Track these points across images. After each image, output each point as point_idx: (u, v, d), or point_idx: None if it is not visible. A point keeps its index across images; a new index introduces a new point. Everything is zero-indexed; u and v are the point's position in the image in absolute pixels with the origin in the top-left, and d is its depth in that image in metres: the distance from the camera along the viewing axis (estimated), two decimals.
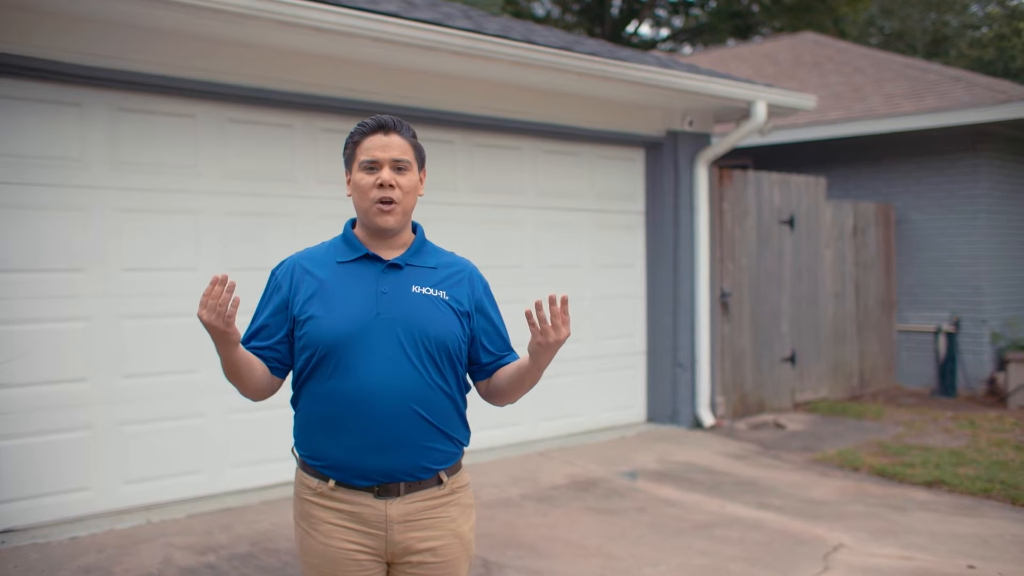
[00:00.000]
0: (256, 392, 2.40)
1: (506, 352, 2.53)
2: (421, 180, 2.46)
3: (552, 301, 2.22)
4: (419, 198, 2.46)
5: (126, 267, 5.23)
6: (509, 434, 7.07)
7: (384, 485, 2.32)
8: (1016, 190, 10.46)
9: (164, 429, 5.39)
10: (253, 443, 5.64)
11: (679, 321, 7.98)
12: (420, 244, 2.47)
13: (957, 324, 9.94)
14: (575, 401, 7.56)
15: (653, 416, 8.09)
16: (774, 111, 8.01)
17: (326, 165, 5.97)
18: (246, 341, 2.40)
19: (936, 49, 22.62)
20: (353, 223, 2.48)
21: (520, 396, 2.51)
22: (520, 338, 7.33)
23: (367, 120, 2.40)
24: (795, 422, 8.35)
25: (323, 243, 2.49)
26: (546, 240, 7.34)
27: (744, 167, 10.81)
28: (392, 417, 2.28)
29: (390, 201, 2.34)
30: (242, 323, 2.55)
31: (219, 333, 2.18)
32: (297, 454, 2.43)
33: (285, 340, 2.39)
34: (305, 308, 2.34)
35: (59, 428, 5.02)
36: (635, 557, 4.72)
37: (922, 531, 5.19)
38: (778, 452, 7.16)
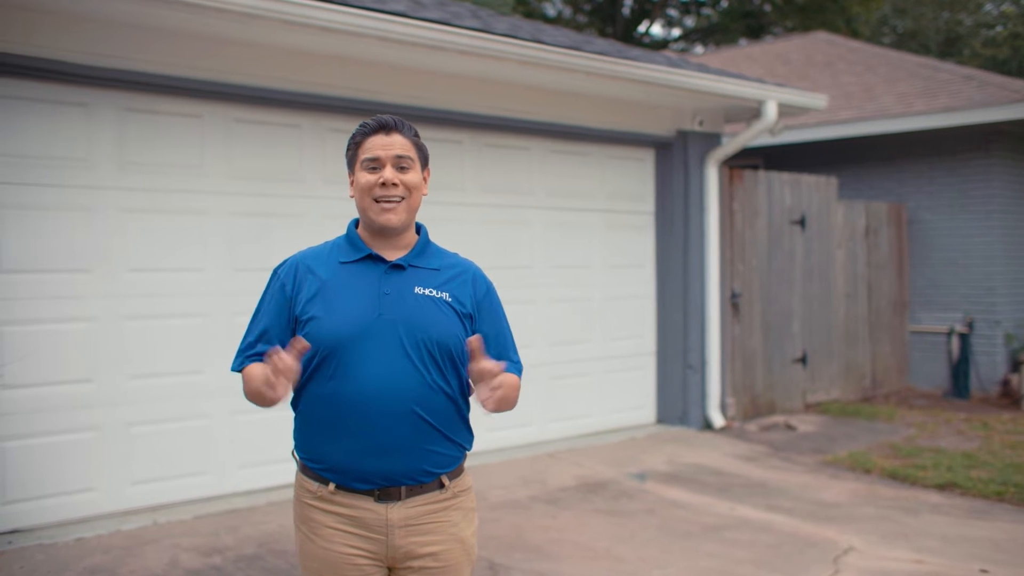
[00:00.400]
0: (275, 402, 2.35)
1: (499, 357, 2.42)
2: (425, 179, 2.43)
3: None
4: (424, 198, 2.43)
5: (131, 267, 5.22)
6: (518, 435, 7.04)
7: (385, 489, 2.29)
8: None
9: (170, 430, 5.38)
10: (260, 444, 5.62)
11: (689, 322, 7.94)
12: (424, 245, 2.44)
13: (970, 325, 9.86)
14: (585, 402, 7.52)
15: (663, 417, 8.05)
16: (785, 111, 7.96)
17: (334, 165, 5.95)
18: (251, 346, 2.36)
19: (950, 48, 22.48)
20: (356, 223, 2.45)
21: (502, 409, 2.37)
22: (528, 338, 7.31)
23: (368, 120, 2.37)
24: (806, 423, 8.29)
25: (325, 243, 2.46)
26: (555, 240, 7.31)
27: (755, 167, 10.76)
28: (393, 420, 2.25)
29: (393, 199, 2.31)
30: (242, 324, 2.53)
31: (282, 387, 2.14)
32: (297, 457, 2.41)
33: (288, 340, 2.35)
34: (307, 308, 2.31)
35: (64, 429, 5.01)
36: (643, 559, 4.68)
37: (934, 534, 5.14)
38: (789, 454, 7.11)
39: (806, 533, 5.13)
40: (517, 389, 2.42)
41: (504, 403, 2.34)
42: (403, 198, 2.33)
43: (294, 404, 2.39)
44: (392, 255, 2.37)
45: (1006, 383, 9.77)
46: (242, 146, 5.64)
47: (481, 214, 6.82)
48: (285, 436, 5.46)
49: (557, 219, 7.32)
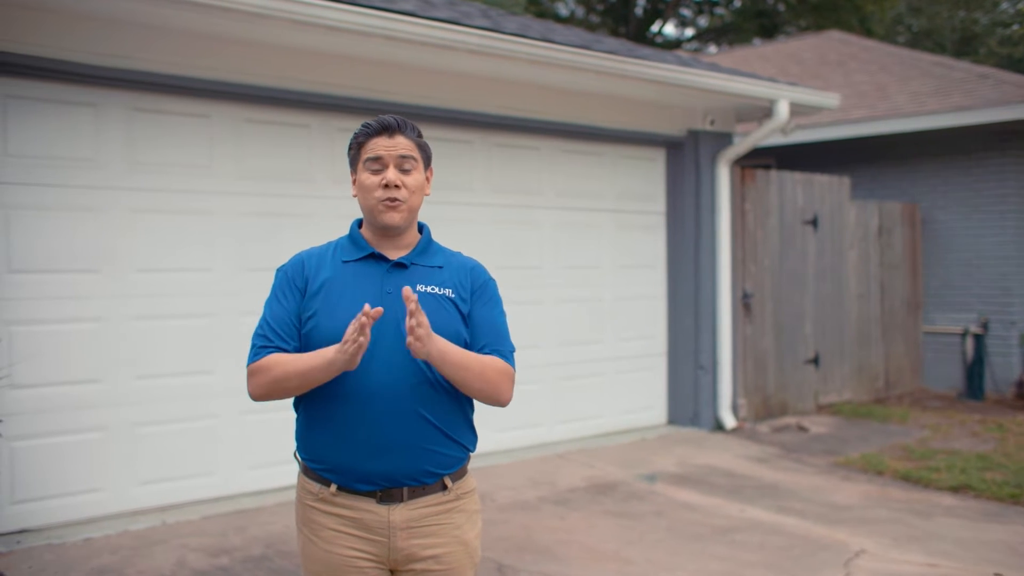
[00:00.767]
0: (304, 388, 2.29)
1: (487, 346, 2.35)
2: (428, 179, 2.41)
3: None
4: (428, 197, 2.41)
5: (139, 268, 5.22)
6: (528, 436, 7.01)
7: (387, 490, 2.27)
8: None
9: (178, 430, 5.38)
10: (268, 444, 5.62)
11: (700, 322, 7.89)
12: (426, 244, 2.42)
13: (985, 326, 9.78)
14: (595, 403, 7.49)
15: (674, 418, 8.01)
16: (796, 110, 7.91)
17: (343, 165, 5.94)
18: (267, 338, 2.30)
19: (965, 47, 22.34)
20: (360, 223, 2.44)
21: (480, 396, 2.31)
22: (537, 339, 7.29)
23: (371, 121, 2.36)
24: (818, 425, 8.24)
25: (328, 243, 2.45)
26: (565, 241, 7.28)
27: (767, 167, 10.71)
28: (395, 419, 2.23)
29: (396, 200, 2.30)
30: (251, 324, 2.51)
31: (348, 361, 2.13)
32: (299, 458, 2.39)
33: (300, 336, 2.33)
34: (310, 306, 2.30)
35: (72, 429, 5.02)
36: (652, 562, 4.65)
37: (947, 537, 5.08)
38: (800, 455, 7.06)
39: (817, 536, 5.09)
40: (502, 373, 2.31)
41: (484, 382, 2.27)
42: (405, 199, 2.31)
43: (296, 404, 2.37)
44: (394, 254, 2.36)
45: (1021, 384, 9.68)
46: (251, 146, 5.63)
47: (491, 214, 6.79)
48: (292, 437, 5.46)
49: (567, 219, 7.30)
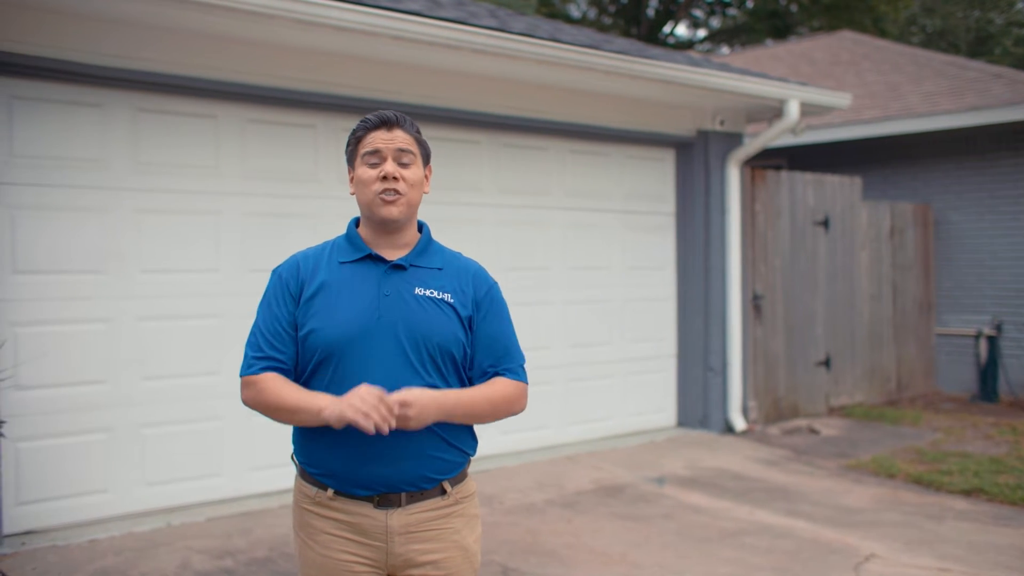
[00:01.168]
0: (301, 425, 2.31)
1: (495, 366, 2.34)
2: (427, 177, 2.38)
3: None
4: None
5: (145, 268, 5.21)
6: (537, 438, 6.97)
7: (385, 495, 2.23)
8: None
9: (184, 432, 5.36)
10: (274, 446, 5.59)
11: (710, 324, 7.84)
12: (425, 244, 2.37)
13: (999, 328, 9.68)
14: (604, 405, 7.45)
15: (683, 421, 7.95)
16: (807, 110, 7.85)
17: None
18: (262, 350, 2.26)
19: (980, 47, 22.18)
20: (357, 222, 2.39)
21: (487, 423, 2.34)
22: (546, 340, 7.24)
23: (369, 116, 2.31)
24: (829, 427, 8.17)
25: (325, 243, 2.40)
26: (574, 242, 7.24)
27: (778, 167, 10.65)
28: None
29: (394, 192, 2.25)
30: (246, 326, 2.47)
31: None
32: (296, 461, 2.35)
33: (295, 344, 2.28)
34: (306, 309, 2.26)
35: (78, 430, 5.01)
36: (660, 565, 4.60)
37: (959, 541, 5.02)
38: (811, 458, 7.00)
39: (827, 539, 5.03)
40: (512, 398, 2.32)
41: (496, 413, 2.31)
42: (404, 192, 2.27)
43: None
44: (393, 254, 2.31)
45: None
46: (257, 146, 5.61)
47: (499, 215, 6.76)
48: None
49: (576, 220, 7.26)
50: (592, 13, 26.36)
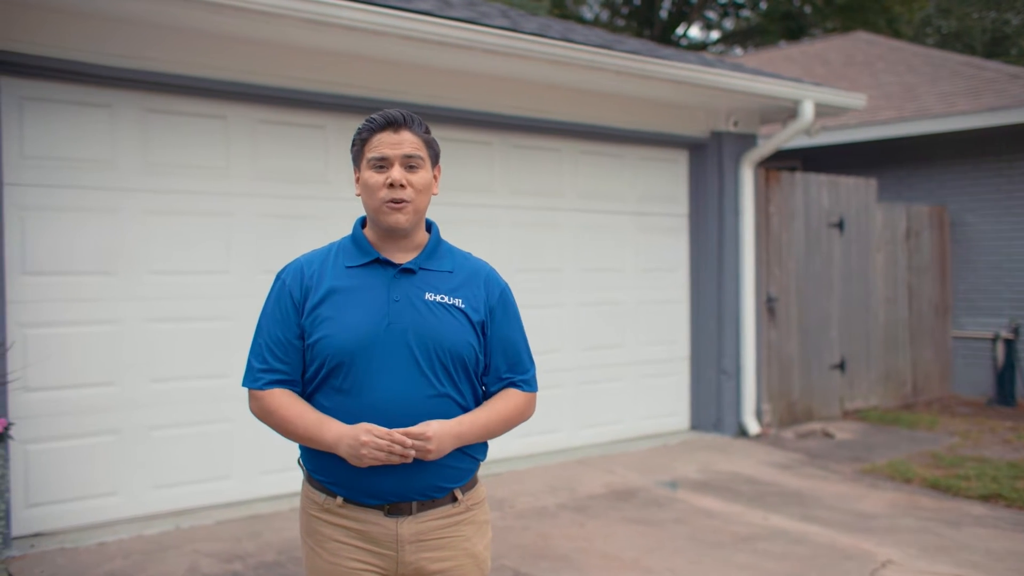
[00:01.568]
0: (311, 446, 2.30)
1: (510, 375, 2.32)
2: (435, 177, 2.29)
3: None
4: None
5: (155, 270, 5.18)
6: (548, 441, 6.92)
7: (395, 503, 2.18)
8: None
9: (193, 434, 5.33)
10: (283, 449, 5.52)
11: (724, 326, 7.77)
12: (435, 245, 2.30)
13: (1016, 331, 9.57)
14: (616, 408, 7.39)
15: (696, 424, 7.89)
16: (822, 111, 7.77)
17: None
18: (266, 362, 2.21)
19: (996, 48, 22.01)
20: (363, 222, 2.33)
21: (492, 436, 2.33)
22: (557, 343, 7.19)
23: (375, 116, 2.23)
24: (844, 431, 8.09)
25: (331, 244, 2.33)
26: (586, 243, 7.18)
27: (792, 169, 10.57)
28: None
29: (401, 201, 2.18)
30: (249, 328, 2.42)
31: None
32: (303, 466, 2.30)
33: (300, 354, 2.23)
34: (313, 317, 2.19)
35: (87, 432, 4.98)
36: (672, 571, 4.55)
37: (977, 548, 4.94)
38: (826, 462, 6.92)
39: (842, 545, 4.96)
40: (522, 411, 2.32)
41: (509, 427, 2.31)
42: (411, 199, 2.19)
43: None
44: (401, 257, 2.25)
45: None
46: (267, 147, 5.59)
47: (510, 216, 6.71)
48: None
49: (588, 221, 7.20)
50: (604, 15, 26.32)
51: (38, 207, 4.82)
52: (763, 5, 25.56)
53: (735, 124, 7.83)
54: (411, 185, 2.19)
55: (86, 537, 4.82)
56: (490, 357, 2.28)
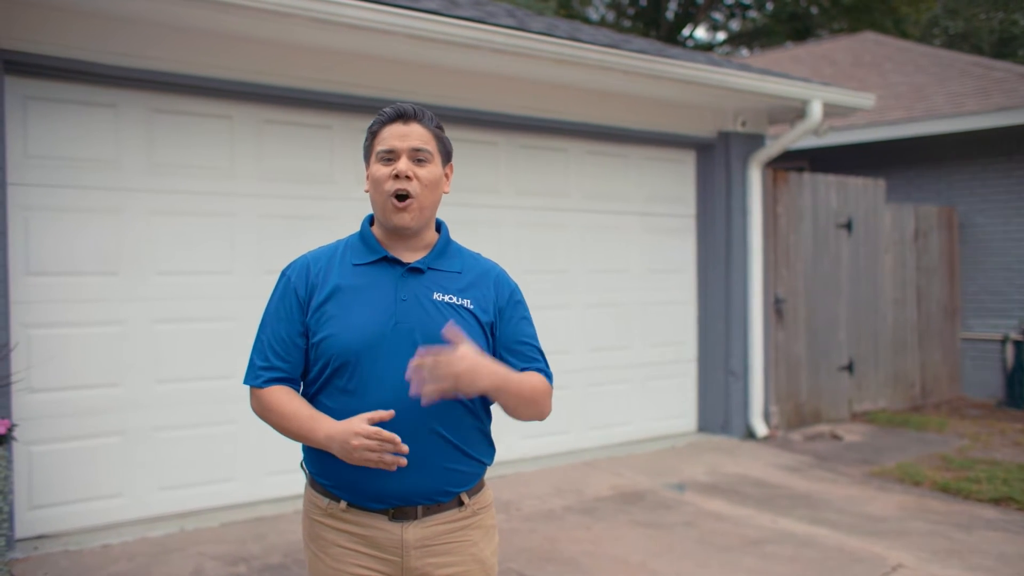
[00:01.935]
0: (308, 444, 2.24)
1: (525, 368, 2.23)
2: (447, 176, 2.24)
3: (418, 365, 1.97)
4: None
5: (160, 270, 5.15)
6: (555, 443, 6.88)
7: (400, 508, 2.14)
8: None
9: (198, 435, 5.30)
10: (289, 451, 5.48)
11: (731, 328, 7.72)
12: (444, 245, 2.25)
13: None
14: (623, 410, 7.34)
15: (704, 426, 7.84)
16: (830, 111, 7.72)
17: (365, 167, 5.85)
18: (267, 360, 2.17)
19: (1004, 49, 21.93)
20: (371, 219, 2.28)
21: (524, 416, 2.21)
22: (564, 344, 7.13)
23: (386, 109, 2.19)
24: (853, 433, 8.03)
25: (338, 241, 2.29)
26: (593, 244, 7.14)
27: (800, 169, 10.51)
28: (411, 437, 2.07)
29: (406, 196, 2.12)
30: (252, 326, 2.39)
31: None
32: (306, 469, 2.26)
33: (302, 353, 2.19)
34: (318, 315, 2.14)
35: (91, 434, 4.95)
36: (680, 574, 4.50)
37: (989, 552, 4.89)
38: (834, 465, 6.87)
39: (852, 548, 4.91)
40: (546, 394, 2.21)
41: (533, 407, 2.18)
42: (417, 194, 2.14)
43: None
44: (410, 256, 2.20)
45: None
46: (272, 147, 5.55)
47: (516, 217, 6.68)
48: (302, 445, 5.38)
49: (594, 222, 7.16)
50: (611, 16, 26.27)
51: (42, 207, 4.79)
52: (769, 6, 25.50)
53: (743, 124, 7.79)
54: (417, 178, 2.14)
55: (90, 539, 4.79)
56: (502, 357, 2.22)
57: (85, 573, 4.35)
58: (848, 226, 8.78)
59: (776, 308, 8.09)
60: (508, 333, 2.23)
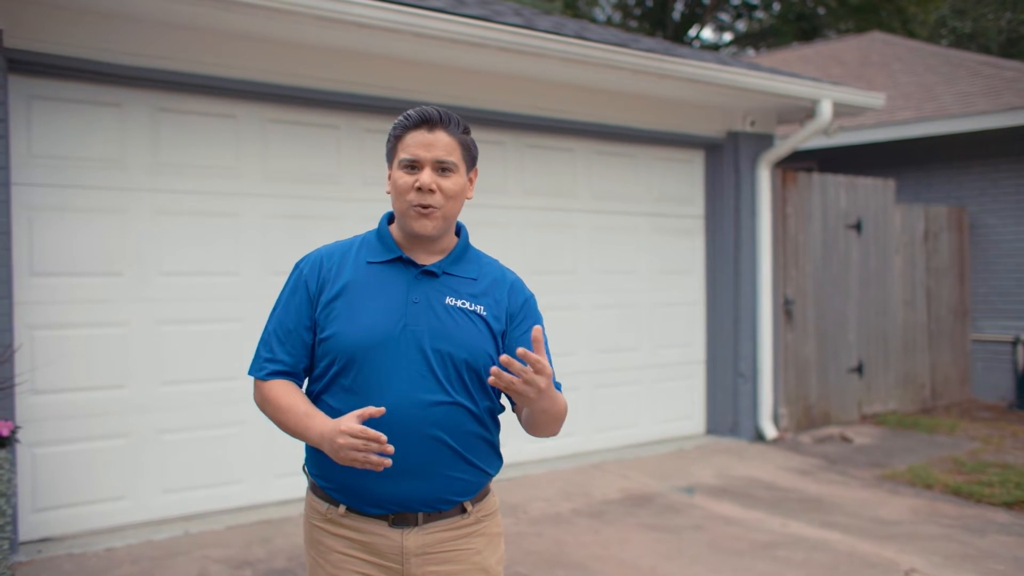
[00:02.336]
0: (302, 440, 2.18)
1: None
2: (471, 181, 2.17)
3: (524, 355, 1.86)
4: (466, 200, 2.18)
5: (165, 271, 5.11)
6: (563, 445, 6.82)
7: (400, 513, 2.08)
8: None
9: (204, 437, 5.26)
10: (295, 453, 5.44)
11: (740, 329, 7.66)
12: (462, 250, 2.19)
13: None
14: (631, 412, 7.29)
15: (713, 428, 7.78)
16: (840, 110, 7.66)
17: (372, 167, 5.81)
18: (272, 351, 2.13)
19: (1012, 49, 21.83)
20: (390, 217, 2.22)
21: (546, 432, 2.14)
22: (572, 346, 7.07)
23: (411, 112, 2.10)
24: (862, 435, 7.96)
25: (354, 237, 2.23)
26: (601, 245, 7.08)
27: (808, 170, 10.44)
28: (412, 442, 2.02)
29: (429, 207, 2.07)
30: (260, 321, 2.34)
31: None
32: (308, 473, 2.21)
33: (308, 348, 2.14)
34: (327, 310, 2.09)
35: (96, 436, 4.91)
36: None
37: (1004, 556, 4.82)
38: (845, 467, 6.80)
39: (864, 552, 4.85)
40: (566, 412, 2.13)
41: (556, 423, 2.10)
42: (440, 206, 2.07)
43: None
44: (425, 259, 2.14)
45: None
46: (278, 147, 5.51)
47: (523, 217, 6.62)
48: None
49: (603, 223, 7.10)
50: (617, 17, 26.21)
51: (46, 207, 4.75)
52: (776, 6, 25.41)
53: (752, 124, 7.73)
54: (441, 191, 2.07)
55: (94, 542, 4.75)
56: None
57: None
58: (858, 227, 8.71)
59: (785, 309, 8.03)
60: (518, 343, 2.16)
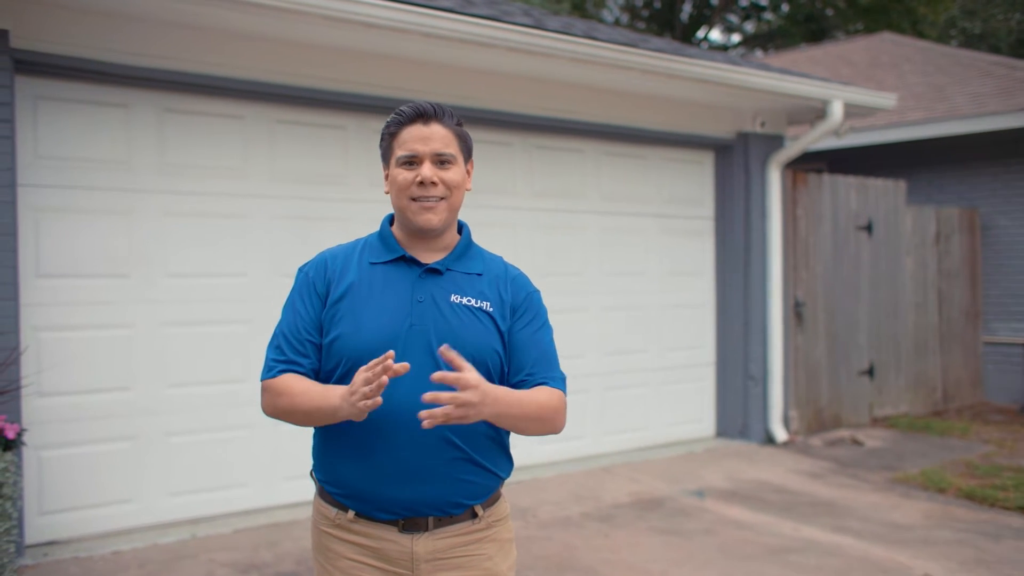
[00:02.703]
0: (318, 423, 2.09)
1: (534, 374, 2.11)
2: (468, 172, 2.16)
3: (441, 378, 1.82)
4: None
5: (171, 273, 5.08)
6: (572, 448, 6.78)
7: (410, 519, 2.04)
8: None
9: (211, 440, 5.22)
10: (302, 456, 5.39)
11: (750, 331, 7.60)
12: (465, 247, 2.16)
13: None
14: (641, 414, 7.23)
15: (723, 431, 7.72)
16: (851, 111, 7.60)
17: (380, 168, 5.75)
18: (282, 353, 2.09)
19: (1022, 50, 21.72)
20: (391, 219, 2.19)
21: (537, 433, 2.08)
22: (581, 348, 7.02)
23: (404, 108, 2.09)
24: (874, 438, 7.90)
25: (356, 240, 2.20)
26: (610, 246, 7.04)
27: (818, 171, 10.38)
28: (421, 443, 1.99)
29: (432, 199, 2.05)
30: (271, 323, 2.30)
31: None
32: (315, 479, 2.17)
33: (318, 349, 2.10)
34: (332, 313, 2.06)
35: (102, 438, 4.88)
36: None
37: (1020, 562, 4.76)
38: (856, 471, 6.74)
39: (877, 557, 4.79)
40: (557, 409, 2.08)
41: (541, 424, 2.05)
42: (443, 197, 2.06)
43: None
44: (429, 257, 2.11)
45: None
46: (285, 147, 5.48)
47: (532, 219, 6.58)
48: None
49: (612, 224, 7.06)
50: (625, 18, 26.17)
51: (52, 208, 4.73)
52: (785, 7, 25.33)
53: (762, 125, 7.68)
54: (444, 182, 2.06)
55: (100, 546, 4.71)
56: (511, 358, 2.11)
57: None
58: (868, 228, 8.65)
59: (795, 311, 7.97)
60: (521, 336, 2.13)
